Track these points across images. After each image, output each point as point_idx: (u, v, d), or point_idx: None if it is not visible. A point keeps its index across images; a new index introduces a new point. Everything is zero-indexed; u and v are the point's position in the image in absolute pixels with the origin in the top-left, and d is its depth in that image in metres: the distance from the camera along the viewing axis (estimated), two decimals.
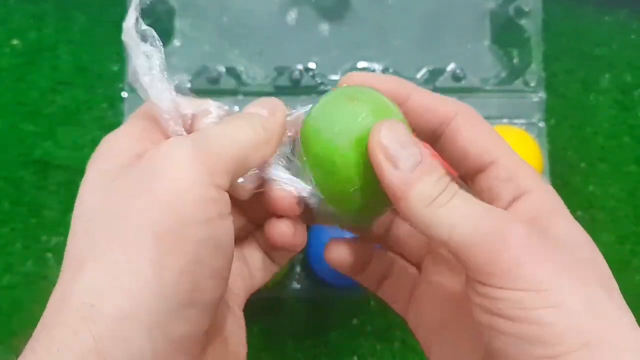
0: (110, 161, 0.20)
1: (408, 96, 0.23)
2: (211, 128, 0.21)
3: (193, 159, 0.19)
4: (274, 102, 0.23)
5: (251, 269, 0.27)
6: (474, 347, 0.23)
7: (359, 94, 0.22)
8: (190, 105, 0.22)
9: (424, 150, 0.20)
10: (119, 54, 0.50)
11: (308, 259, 0.44)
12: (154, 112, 0.22)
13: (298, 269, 0.45)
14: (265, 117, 0.22)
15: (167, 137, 0.22)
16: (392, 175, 0.20)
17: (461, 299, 0.25)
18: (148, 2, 0.46)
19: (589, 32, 0.52)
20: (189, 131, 0.22)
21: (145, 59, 0.22)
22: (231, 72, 0.47)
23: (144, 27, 0.22)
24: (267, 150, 0.22)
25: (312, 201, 0.23)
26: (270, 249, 0.27)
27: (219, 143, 0.20)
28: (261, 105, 0.23)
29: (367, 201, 0.23)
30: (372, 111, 0.22)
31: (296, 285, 0.45)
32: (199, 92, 0.46)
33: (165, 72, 0.22)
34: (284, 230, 0.24)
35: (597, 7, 0.53)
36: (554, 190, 0.22)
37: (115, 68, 0.51)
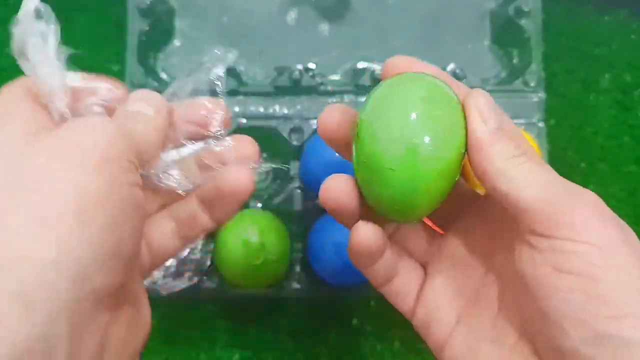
0: (10, 129, 0.21)
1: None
2: (118, 120, 0.24)
3: (117, 134, 0.21)
4: (156, 99, 0.25)
5: (155, 242, 0.27)
6: (500, 333, 0.24)
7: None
8: (79, 80, 0.24)
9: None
10: (119, 54, 0.50)
11: (308, 259, 0.44)
12: (36, 89, 0.22)
13: (298, 268, 0.45)
14: (152, 115, 0.24)
15: (50, 113, 0.23)
16: (483, 129, 0.22)
17: (477, 291, 0.25)
18: (148, 2, 0.46)
19: (589, 32, 0.52)
20: (73, 108, 0.23)
21: (39, 37, 0.22)
22: (231, 72, 0.47)
23: (41, 5, 0.22)
24: (159, 145, 0.24)
25: None
26: (210, 203, 0.27)
27: (130, 132, 0.23)
28: (145, 102, 0.24)
29: (415, 209, 0.24)
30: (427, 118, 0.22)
31: (296, 285, 0.45)
32: (198, 92, 0.46)
33: (58, 52, 0.23)
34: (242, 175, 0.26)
35: (597, 7, 0.53)
36: None
37: (115, 68, 0.50)
